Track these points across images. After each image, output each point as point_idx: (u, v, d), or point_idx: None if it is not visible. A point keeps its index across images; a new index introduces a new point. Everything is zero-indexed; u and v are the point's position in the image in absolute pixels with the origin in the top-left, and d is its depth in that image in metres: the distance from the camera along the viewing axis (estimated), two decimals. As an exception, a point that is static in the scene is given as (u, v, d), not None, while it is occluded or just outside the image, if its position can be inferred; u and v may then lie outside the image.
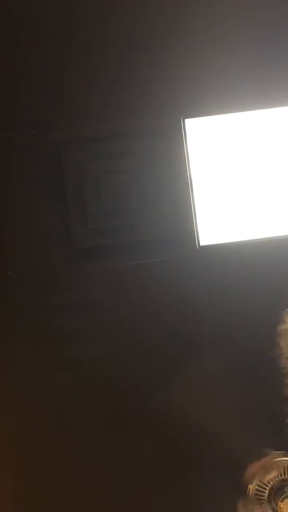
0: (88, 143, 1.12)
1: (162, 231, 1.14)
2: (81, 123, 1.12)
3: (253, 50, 1.12)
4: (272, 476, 1.04)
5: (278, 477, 1.05)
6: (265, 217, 1.15)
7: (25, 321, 1.14)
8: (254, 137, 1.14)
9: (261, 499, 1.05)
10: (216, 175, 1.14)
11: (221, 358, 1.17)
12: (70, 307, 1.16)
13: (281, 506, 1.04)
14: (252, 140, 1.14)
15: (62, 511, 1.18)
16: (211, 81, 1.11)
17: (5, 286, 1.13)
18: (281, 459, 1.06)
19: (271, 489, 1.04)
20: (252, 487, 1.04)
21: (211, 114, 1.12)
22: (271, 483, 1.04)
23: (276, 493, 1.05)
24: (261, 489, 1.04)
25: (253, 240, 1.15)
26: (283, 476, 1.06)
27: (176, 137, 1.12)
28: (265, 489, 1.04)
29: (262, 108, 1.13)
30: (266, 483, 1.04)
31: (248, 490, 1.05)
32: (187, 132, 1.12)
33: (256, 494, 1.05)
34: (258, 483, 1.04)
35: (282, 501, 1.04)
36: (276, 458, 1.06)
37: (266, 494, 1.05)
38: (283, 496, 1.04)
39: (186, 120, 1.12)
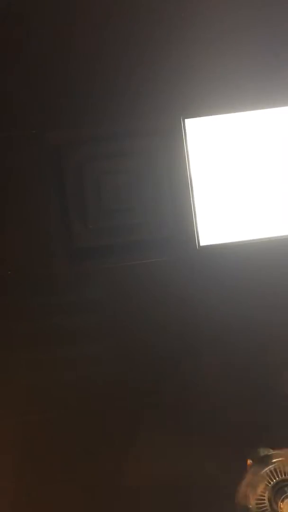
0: (88, 143, 1.12)
1: (162, 231, 1.14)
2: (81, 123, 1.12)
3: (253, 50, 1.12)
4: (262, 488, 1.06)
5: (268, 484, 1.06)
6: (265, 217, 1.15)
7: (25, 321, 1.14)
8: (254, 137, 1.14)
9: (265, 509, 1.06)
10: (216, 175, 1.14)
11: (220, 356, 1.17)
12: (70, 307, 1.16)
13: (281, 506, 1.04)
14: (252, 140, 1.14)
15: (61, 510, 1.18)
16: (211, 81, 1.11)
17: (5, 286, 1.13)
18: (261, 470, 1.07)
19: (269, 498, 1.05)
20: (252, 506, 1.05)
21: (211, 114, 1.12)
22: (266, 492, 1.05)
23: (276, 493, 1.05)
24: (260, 502, 1.06)
25: (253, 240, 1.15)
26: (282, 477, 1.06)
27: (176, 137, 1.12)
28: (264, 499, 1.06)
29: (262, 108, 1.13)
30: (261, 494, 1.05)
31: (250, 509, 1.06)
32: (187, 132, 1.12)
33: (258, 508, 1.06)
34: (255, 500, 1.06)
35: (282, 501, 1.04)
36: (256, 471, 1.07)
37: (267, 503, 1.06)
38: (283, 496, 1.04)
39: (186, 120, 1.12)
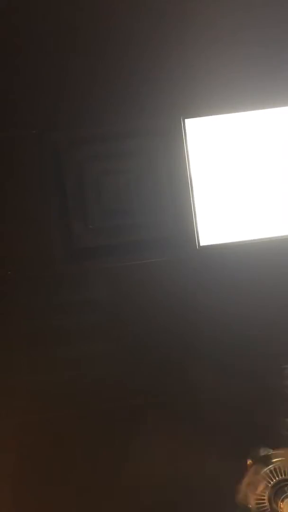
0: (88, 143, 1.12)
1: (162, 231, 1.14)
2: (81, 123, 1.12)
3: (253, 50, 1.12)
4: (262, 488, 1.06)
5: (268, 484, 1.06)
6: (265, 217, 1.15)
7: (25, 321, 1.14)
8: (254, 137, 1.14)
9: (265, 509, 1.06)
10: (216, 175, 1.14)
11: (220, 356, 1.17)
12: (70, 307, 1.16)
13: (281, 505, 1.04)
14: (252, 140, 1.14)
15: (61, 509, 1.18)
16: (211, 81, 1.11)
17: (5, 286, 1.13)
18: (261, 469, 1.07)
19: (269, 498, 1.05)
20: (253, 506, 1.06)
21: (211, 114, 1.12)
22: (266, 492, 1.06)
23: (276, 493, 1.05)
24: (260, 501, 1.06)
25: (253, 240, 1.15)
26: (282, 477, 1.06)
27: (176, 137, 1.12)
28: (264, 499, 1.06)
29: (262, 108, 1.13)
30: (261, 494, 1.06)
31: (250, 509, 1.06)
32: (187, 132, 1.12)
33: (258, 508, 1.06)
34: (255, 499, 1.06)
35: (282, 501, 1.04)
36: (256, 470, 1.07)
37: (267, 503, 1.06)
38: (283, 496, 1.05)
39: (186, 120, 1.12)
